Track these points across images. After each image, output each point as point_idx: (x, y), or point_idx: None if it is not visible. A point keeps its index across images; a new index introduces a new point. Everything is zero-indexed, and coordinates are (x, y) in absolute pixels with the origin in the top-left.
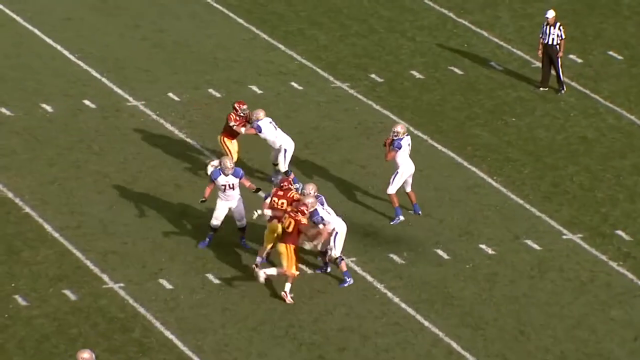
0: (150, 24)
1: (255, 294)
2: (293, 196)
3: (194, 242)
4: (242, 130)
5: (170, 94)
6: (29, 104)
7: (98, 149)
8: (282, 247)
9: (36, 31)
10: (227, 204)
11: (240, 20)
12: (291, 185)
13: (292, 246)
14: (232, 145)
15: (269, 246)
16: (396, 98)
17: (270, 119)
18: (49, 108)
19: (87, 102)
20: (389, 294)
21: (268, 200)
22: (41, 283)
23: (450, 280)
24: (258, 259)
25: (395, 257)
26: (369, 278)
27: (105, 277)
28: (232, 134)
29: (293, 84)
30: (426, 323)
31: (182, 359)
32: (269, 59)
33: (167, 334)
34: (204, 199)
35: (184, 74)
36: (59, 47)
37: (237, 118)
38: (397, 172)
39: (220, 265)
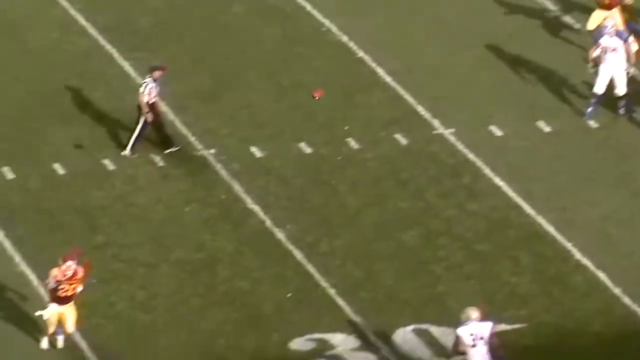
0: None
1: (587, 144)
2: None
3: (525, 89)
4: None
5: None
6: None
7: None
8: None
9: None
10: (610, 69)
11: None
12: None
13: None
14: None
15: None
16: None
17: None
18: None
19: None
20: None
21: None
22: (373, 126)
23: None
24: None
25: None
26: None
27: (436, 123)
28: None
29: None
30: None
31: (510, 205)
32: None
33: (496, 180)
34: (591, 65)
35: None
36: None
37: None
38: None
39: (552, 113)
